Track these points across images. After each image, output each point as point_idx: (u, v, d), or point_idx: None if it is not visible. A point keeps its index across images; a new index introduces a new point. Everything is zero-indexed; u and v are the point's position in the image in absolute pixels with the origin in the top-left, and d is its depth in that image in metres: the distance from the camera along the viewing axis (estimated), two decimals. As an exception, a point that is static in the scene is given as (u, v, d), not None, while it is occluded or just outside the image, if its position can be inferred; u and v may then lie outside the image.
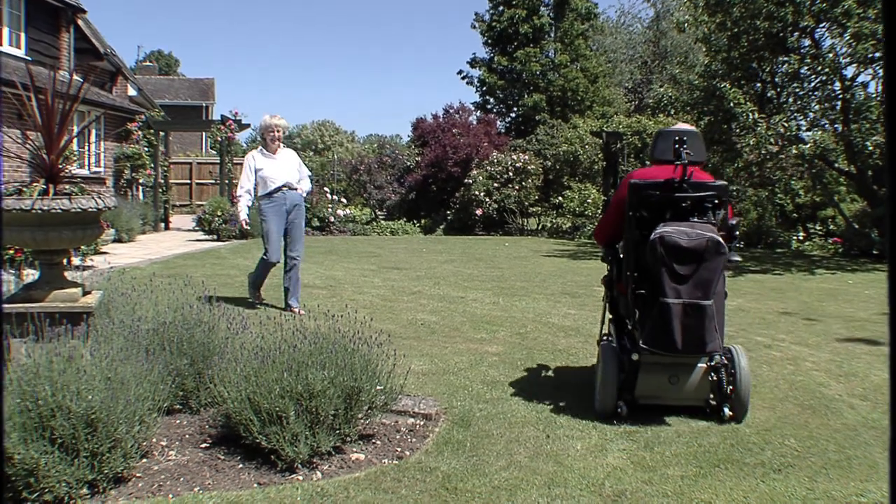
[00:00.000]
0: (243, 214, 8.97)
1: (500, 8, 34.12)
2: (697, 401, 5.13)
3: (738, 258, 5.27)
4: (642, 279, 4.96)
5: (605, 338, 5.77)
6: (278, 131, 8.83)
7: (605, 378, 5.05)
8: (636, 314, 5.00)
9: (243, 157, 32.43)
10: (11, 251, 10.11)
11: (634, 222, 5.00)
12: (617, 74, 37.36)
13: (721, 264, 4.81)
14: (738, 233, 5.24)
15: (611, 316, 5.73)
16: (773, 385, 6.06)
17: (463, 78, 36.65)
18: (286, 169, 8.69)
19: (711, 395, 5.10)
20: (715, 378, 5.02)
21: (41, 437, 3.63)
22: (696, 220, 4.90)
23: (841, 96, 16.19)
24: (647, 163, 5.84)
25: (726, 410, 5.05)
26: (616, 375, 5.03)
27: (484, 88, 35.50)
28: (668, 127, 5.71)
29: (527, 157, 22.26)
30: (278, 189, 8.58)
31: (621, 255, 5.39)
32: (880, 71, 14.59)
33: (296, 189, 8.67)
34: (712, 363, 5.00)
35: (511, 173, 21.63)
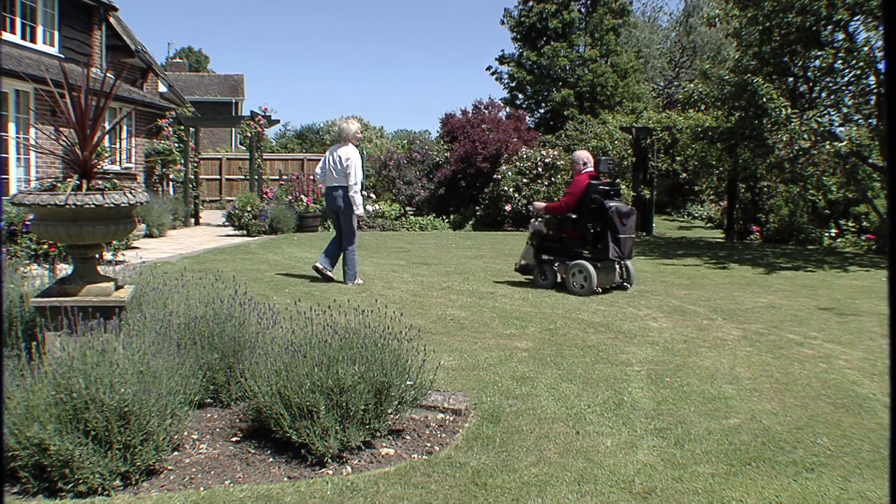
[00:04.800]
0: (361, 209, 10.42)
1: (530, 3, 34.00)
2: (616, 282, 10.31)
3: None
4: (597, 227, 9.88)
5: (526, 264, 10.81)
6: (360, 134, 10.67)
7: (589, 276, 9.81)
8: (596, 244, 9.91)
9: (272, 152, 32.51)
10: (45, 246, 10.24)
11: (592, 200, 9.90)
12: (648, 70, 37.14)
13: (636, 218, 10.44)
14: None
15: (541, 253, 10.52)
16: (806, 383, 6.00)
17: (492, 74, 36.63)
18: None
19: (621, 279, 10.36)
20: (621, 270, 10.35)
21: (76, 429, 3.68)
22: (617, 199, 10.13)
23: (876, 90, 15.96)
24: (589, 170, 10.34)
25: (627, 284, 10.40)
26: (595, 273, 9.82)
27: (513, 84, 35.44)
28: (601, 157, 10.88)
29: (556, 152, 22.15)
30: (361, 189, 10.24)
31: (573, 217, 10.06)
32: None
33: None
34: (620, 264, 10.26)
35: (540, 169, 21.53)
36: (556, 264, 10.34)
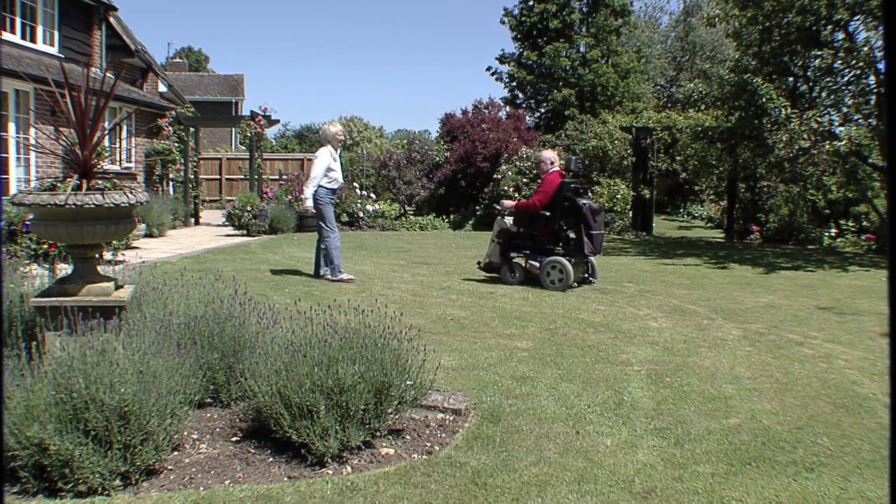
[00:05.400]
0: (309, 203, 10.66)
1: (531, 3, 33.99)
2: (583, 276, 10.68)
3: None
4: (569, 224, 10.38)
5: (491, 262, 11.01)
6: (342, 136, 10.97)
7: (566, 271, 10.17)
8: (569, 241, 10.38)
9: (272, 152, 32.53)
10: (45, 245, 10.24)
11: (565, 198, 10.28)
12: (649, 70, 37.14)
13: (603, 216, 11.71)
14: None
15: (509, 250, 10.80)
16: (806, 383, 6.00)
17: (492, 74, 36.62)
18: (341, 171, 10.93)
19: (586, 274, 10.74)
20: (587, 265, 10.71)
21: (76, 429, 3.68)
22: (587, 197, 10.71)
23: (876, 90, 15.96)
24: (561, 171, 10.78)
25: (592, 279, 10.75)
26: (572, 268, 10.20)
27: (513, 84, 35.44)
28: (571, 157, 11.28)
29: (556, 152, 22.13)
30: (338, 188, 10.80)
31: (547, 215, 10.36)
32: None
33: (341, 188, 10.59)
34: (587, 260, 10.60)
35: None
36: (528, 261, 10.69)
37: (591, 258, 10.65)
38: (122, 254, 12.10)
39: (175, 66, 51.77)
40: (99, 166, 4.93)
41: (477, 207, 22.32)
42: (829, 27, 16.32)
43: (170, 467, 4.04)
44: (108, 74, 17.17)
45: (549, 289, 10.14)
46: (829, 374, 6.29)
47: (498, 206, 11.44)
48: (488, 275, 11.26)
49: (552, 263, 10.31)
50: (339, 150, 10.95)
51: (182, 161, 21.60)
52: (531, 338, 7.35)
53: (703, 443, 4.57)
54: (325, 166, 10.53)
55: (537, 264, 10.46)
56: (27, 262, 9.33)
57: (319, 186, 10.57)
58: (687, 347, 7.11)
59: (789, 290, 11.01)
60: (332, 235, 10.57)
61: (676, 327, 8.05)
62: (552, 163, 10.79)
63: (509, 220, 10.94)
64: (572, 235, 10.42)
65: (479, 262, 11.39)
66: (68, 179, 4.70)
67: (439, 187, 23.57)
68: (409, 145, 26.18)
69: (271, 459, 4.19)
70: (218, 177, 29.82)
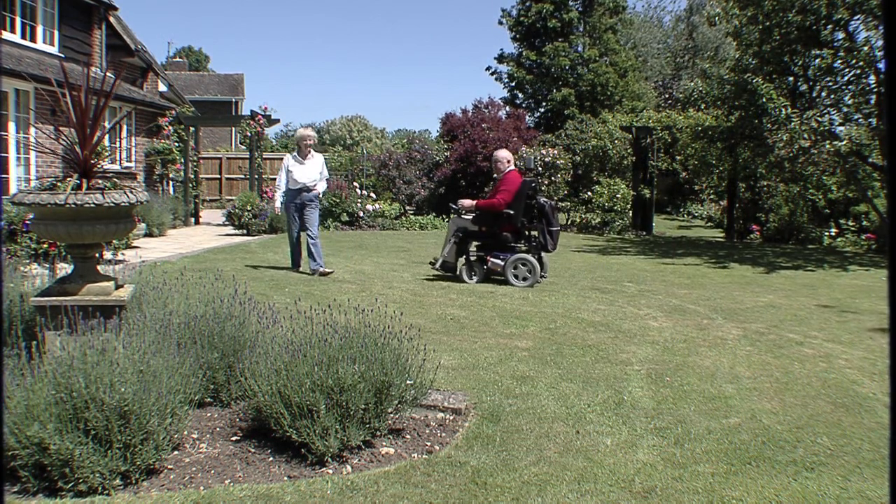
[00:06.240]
0: (277, 203, 11.78)
1: (528, 3, 34.00)
2: (543, 272, 10.64)
3: None
4: (530, 221, 10.59)
5: (446, 261, 10.78)
6: (310, 140, 11.47)
7: (534, 268, 10.35)
8: (532, 238, 10.61)
9: (272, 151, 32.68)
10: (45, 245, 10.24)
11: (525, 197, 10.46)
12: (648, 69, 37.17)
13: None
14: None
15: (469, 249, 10.75)
16: (806, 382, 5.99)
17: (492, 74, 36.62)
18: (308, 173, 11.26)
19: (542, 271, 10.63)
20: (541, 262, 10.57)
21: (76, 429, 3.68)
22: (542, 195, 11.41)
23: (876, 90, 15.95)
24: (523, 170, 11.72)
25: (544, 274, 10.66)
26: (537, 264, 10.43)
27: (512, 84, 35.45)
28: (524, 155, 13.84)
29: (556, 151, 22.11)
30: (298, 189, 11.17)
31: (511, 213, 10.38)
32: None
33: (311, 189, 11.24)
34: (543, 258, 10.70)
35: (540, 168, 21.54)
36: (490, 259, 10.64)
37: (543, 254, 10.78)
38: (122, 253, 12.09)
39: (175, 65, 51.70)
40: (99, 166, 4.92)
41: (477, 207, 22.31)
42: (830, 27, 16.33)
43: (170, 467, 4.04)
44: (108, 74, 17.18)
45: (517, 285, 10.25)
46: (829, 373, 6.29)
47: (454, 206, 11.36)
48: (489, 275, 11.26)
49: (519, 260, 10.45)
50: (309, 153, 11.32)
51: (182, 160, 21.58)
52: (531, 337, 7.35)
53: (703, 442, 4.57)
54: (285, 170, 11.25)
55: (501, 262, 10.50)
56: (27, 261, 9.33)
57: (287, 189, 11.27)
58: (687, 347, 7.11)
59: (789, 289, 11.01)
60: (291, 236, 11.48)
61: (676, 327, 8.05)
62: (509, 161, 10.94)
63: (467, 218, 10.88)
64: (534, 233, 10.67)
65: (432, 262, 11.23)
66: (68, 179, 4.70)
67: (439, 187, 23.56)
68: (409, 145, 26.18)
69: (271, 459, 4.19)
70: (218, 176, 29.79)
